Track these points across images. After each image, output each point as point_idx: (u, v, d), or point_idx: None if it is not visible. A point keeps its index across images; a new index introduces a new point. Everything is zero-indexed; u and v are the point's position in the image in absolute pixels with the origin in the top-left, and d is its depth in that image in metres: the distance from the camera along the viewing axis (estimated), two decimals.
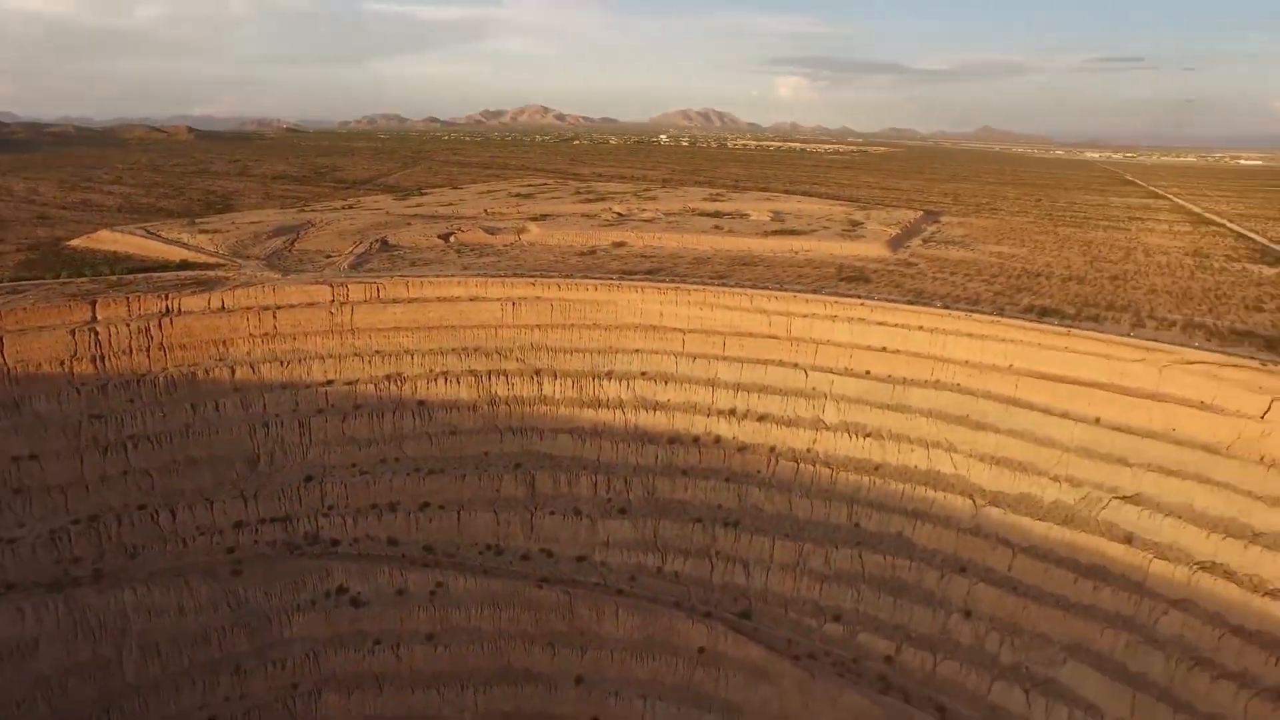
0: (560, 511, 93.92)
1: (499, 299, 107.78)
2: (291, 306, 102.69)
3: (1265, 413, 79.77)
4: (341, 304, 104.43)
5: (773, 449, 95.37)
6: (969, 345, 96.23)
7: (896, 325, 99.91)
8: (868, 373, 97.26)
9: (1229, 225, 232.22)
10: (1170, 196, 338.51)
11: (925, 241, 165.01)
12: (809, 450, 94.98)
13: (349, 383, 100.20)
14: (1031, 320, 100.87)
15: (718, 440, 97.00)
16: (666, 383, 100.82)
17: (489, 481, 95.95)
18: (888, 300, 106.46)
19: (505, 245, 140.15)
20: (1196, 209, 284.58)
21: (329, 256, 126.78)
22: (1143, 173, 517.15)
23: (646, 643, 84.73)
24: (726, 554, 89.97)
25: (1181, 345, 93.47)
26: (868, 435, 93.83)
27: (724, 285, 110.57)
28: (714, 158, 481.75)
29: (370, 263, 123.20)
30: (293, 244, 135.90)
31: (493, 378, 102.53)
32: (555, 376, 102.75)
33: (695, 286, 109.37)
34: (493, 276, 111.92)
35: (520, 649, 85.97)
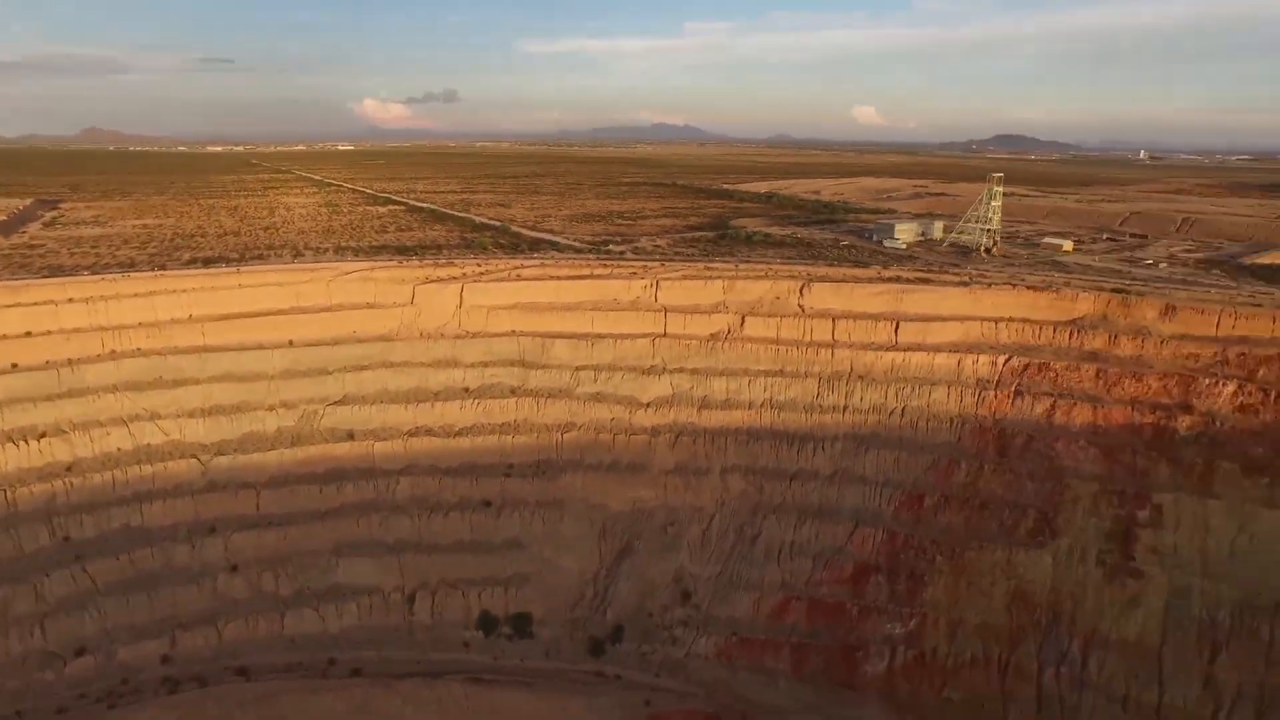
0: None
1: None
2: None
3: (412, 299, 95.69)
4: None
5: None
6: (139, 306, 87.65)
7: (35, 304, 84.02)
8: (15, 366, 79.64)
9: (346, 185, 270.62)
10: (295, 171, 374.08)
11: (47, 225, 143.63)
12: None
13: None
14: (198, 270, 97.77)
15: None
16: None
17: None
18: (15, 281, 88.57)
19: None
20: (318, 177, 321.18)
21: None
22: (266, 159, 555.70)
23: None
24: None
25: (338, 263, 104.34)
26: (43, 435, 77.64)
27: None
28: None
29: None
30: None
31: None
32: None
33: None
34: None
35: None
